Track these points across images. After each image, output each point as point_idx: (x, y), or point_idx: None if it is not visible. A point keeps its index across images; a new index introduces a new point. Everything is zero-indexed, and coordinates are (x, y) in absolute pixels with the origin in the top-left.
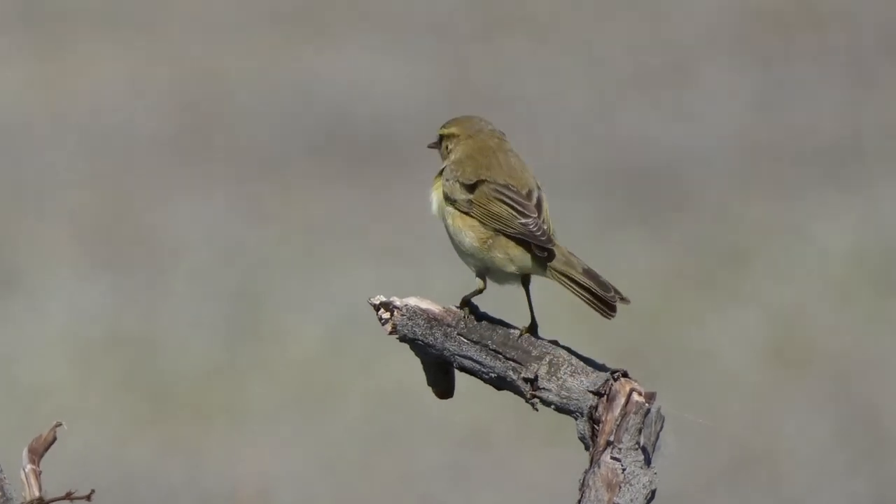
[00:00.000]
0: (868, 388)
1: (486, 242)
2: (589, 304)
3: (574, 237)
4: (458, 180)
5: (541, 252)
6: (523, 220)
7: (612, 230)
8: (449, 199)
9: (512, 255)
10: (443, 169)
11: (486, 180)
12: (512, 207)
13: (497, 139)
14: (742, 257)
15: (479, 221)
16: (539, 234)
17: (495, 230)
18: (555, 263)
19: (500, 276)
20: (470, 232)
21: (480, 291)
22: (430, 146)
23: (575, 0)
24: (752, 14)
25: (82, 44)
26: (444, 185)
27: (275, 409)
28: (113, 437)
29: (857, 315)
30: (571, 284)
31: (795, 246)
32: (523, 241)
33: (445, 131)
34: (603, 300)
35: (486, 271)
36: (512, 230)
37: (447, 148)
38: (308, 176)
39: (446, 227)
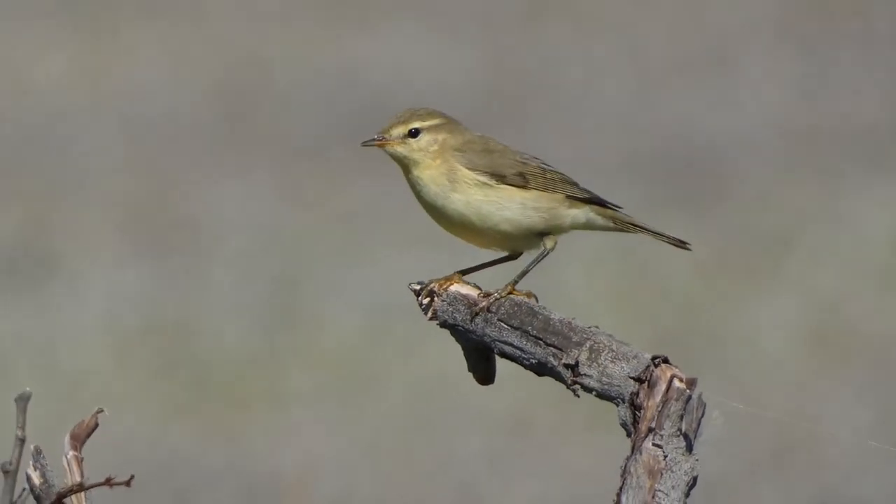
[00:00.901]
0: None
1: (550, 211)
2: (661, 239)
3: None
4: (493, 157)
5: (604, 212)
6: (581, 186)
7: (653, 216)
8: (494, 177)
9: (584, 216)
10: (411, 158)
11: (519, 152)
12: (561, 174)
13: (470, 134)
14: (784, 243)
15: (541, 191)
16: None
17: (565, 196)
18: (618, 215)
19: (532, 244)
20: (532, 202)
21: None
22: (382, 143)
23: None
24: None
25: (124, 29)
26: (466, 165)
27: (314, 395)
28: (152, 423)
29: None
30: (639, 228)
31: (837, 232)
32: (587, 202)
33: (428, 123)
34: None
35: (524, 243)
36: (581, 193)
37: (436, 139)
38: (349, 161)
39: (485, 207)
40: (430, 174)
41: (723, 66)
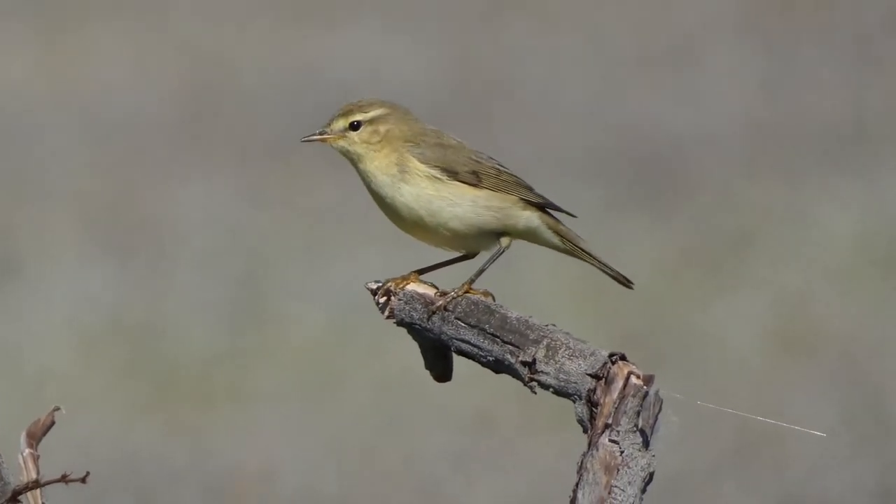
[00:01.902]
0: (873, 372)
1: (502, 211)
2: (605, 272)
3: (579, 221)
4: (447, 152)
5: (553, 222)
6: (535, 192)
7: (616, 214)
8: (446, 172)
9: (536, 220)
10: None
11: (474, 151)
12: (516, 177)
13: (422, 126)
14: (747, 241)
15: (491, 191)
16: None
17: (518, 199)
18: (569, 234)
19: (486, 244)
20: (483, 201)
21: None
22: (322, 137)
23: None
24: None
25: (86, 28)
26: (418, 158)
27: (278, 394)
28: (117, 422)
29: (862, 299)
30: (586, 254)
31: (800, 230)
32: (539, 210)
33: (370, 115)
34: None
35: (477, 242)
36: (534, 198)
37: (377, 131)
38: (312, 160)
39: (435, 202)
40: (378, 165)
41: (686, 63)
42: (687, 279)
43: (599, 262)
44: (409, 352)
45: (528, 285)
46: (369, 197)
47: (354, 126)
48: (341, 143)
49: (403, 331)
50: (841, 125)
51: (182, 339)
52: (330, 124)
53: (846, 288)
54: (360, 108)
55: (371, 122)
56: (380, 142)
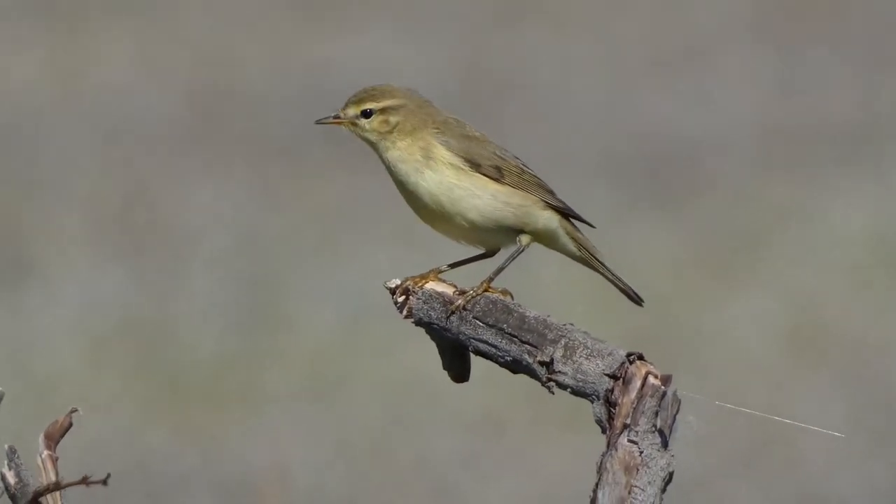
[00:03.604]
0: (884, 373)
1: (522, 208)
2: (617, 286)
3: (592, 222)
4: (472, 144)
5: (572, 229)
6: (557, 196)
7: (629, 215)
8: (469, 163)
9: (555, 222)
10: (367, 139)
11: (499, 147)
12: (539, 179)
13: (444, 115)
14: (759, 241)
15: (513, 188)
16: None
17: (539, 200)
18: (586, 243)
19: (505, 240)
20: (503, 197)
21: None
22: (337, 121)
23: None
24: None
25: (95, 29)
26: (444, 145)
27: (290, 396)
28: (128, 423)
29: (874, 299)
30: (600, 266)
31: (813, 230)
32: (559, 214)
33: (382, 104)
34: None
35: (496, 238)
36: (555, 202)
37: (387, 121)
38: (323, 162)
39: (456, 191)
40: (399, 154)
41: (698, 65)
42: (699, 279)
43: (613, 274)
44: (420, 353)
45: (540, 285)
46: (380, 196)
47: (367, 114)
48: (352, 129)
49: (414, 332)
50: (853, 125)
51: (193, 341)
52: (344, 109)
53: (858, 288)
54: (373, 96)
55: (383, 111)
56: (390, 132)
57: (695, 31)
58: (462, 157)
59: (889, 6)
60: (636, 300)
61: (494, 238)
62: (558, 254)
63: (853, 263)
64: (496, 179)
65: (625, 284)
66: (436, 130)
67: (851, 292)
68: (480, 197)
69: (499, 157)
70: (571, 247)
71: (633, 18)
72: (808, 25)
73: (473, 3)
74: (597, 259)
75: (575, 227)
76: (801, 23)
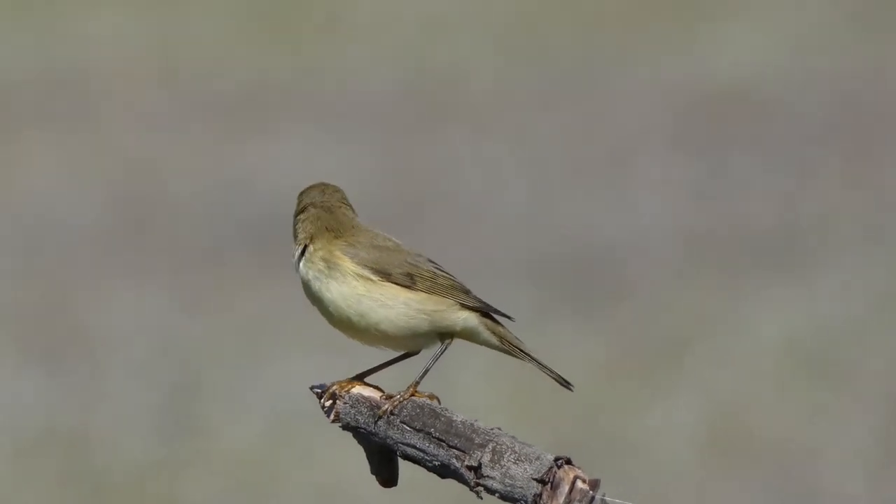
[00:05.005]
0: (806, 476)
1: (436, 314)
2: (545, 372)
3: (514, 326)
4: (381, 254)
5: (495, 326)
6: (473, 295)
7: (551, 319)
8: (378, 273)
9: (473, 321)
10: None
11: (412, 253)
12: (454, 281)
13: (354, 223)
14: (681, 346)
15: (427, 294)
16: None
17: (454, 303)
18: (508, 336)
19: (426, 342)
20: (416, 304)
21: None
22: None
23: (514, 91)
24: (688, 104)
25: (19, 136)
26: (351, 257)
27: (214, 502)
28: None
29: (797, 404)
30: (525, 355)
31: (733, 335)
32: (478, 312)
33: (300, 206)
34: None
35: (415, 342)
36: (471, 302)
37: (301, 221)
38: (245, 268)
39: (365, 302)
40: (306, 257)
41: (620, 171)
42: (621, 384)
43: (539, 363)
44: (346, 458)
45: (462, 389)
46: (304, 304)
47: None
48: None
49: (339, 438)
50: (773, 232)
51: (115, 448)
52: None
53: (779, 392)
54: (299, 195)
55: (303, 210)
56: (308, 236)
57: (617, 137)
58: (371, 267)
59: (808, 111)
60: (565, 385)
61: (413, 342)
62: (479, 359)
63: (775, 368)
64: (408, 287)
65: (552, 371)
66: (343, 243)
67: (774, 397)
68: (392, 307)
69: (410, 263)
70: (494, 341)
71: (556, 123)
72: (730, 132)
73: (398, 107)
74: (521, 350)
75: (496, 321)
76: (722, 130)
